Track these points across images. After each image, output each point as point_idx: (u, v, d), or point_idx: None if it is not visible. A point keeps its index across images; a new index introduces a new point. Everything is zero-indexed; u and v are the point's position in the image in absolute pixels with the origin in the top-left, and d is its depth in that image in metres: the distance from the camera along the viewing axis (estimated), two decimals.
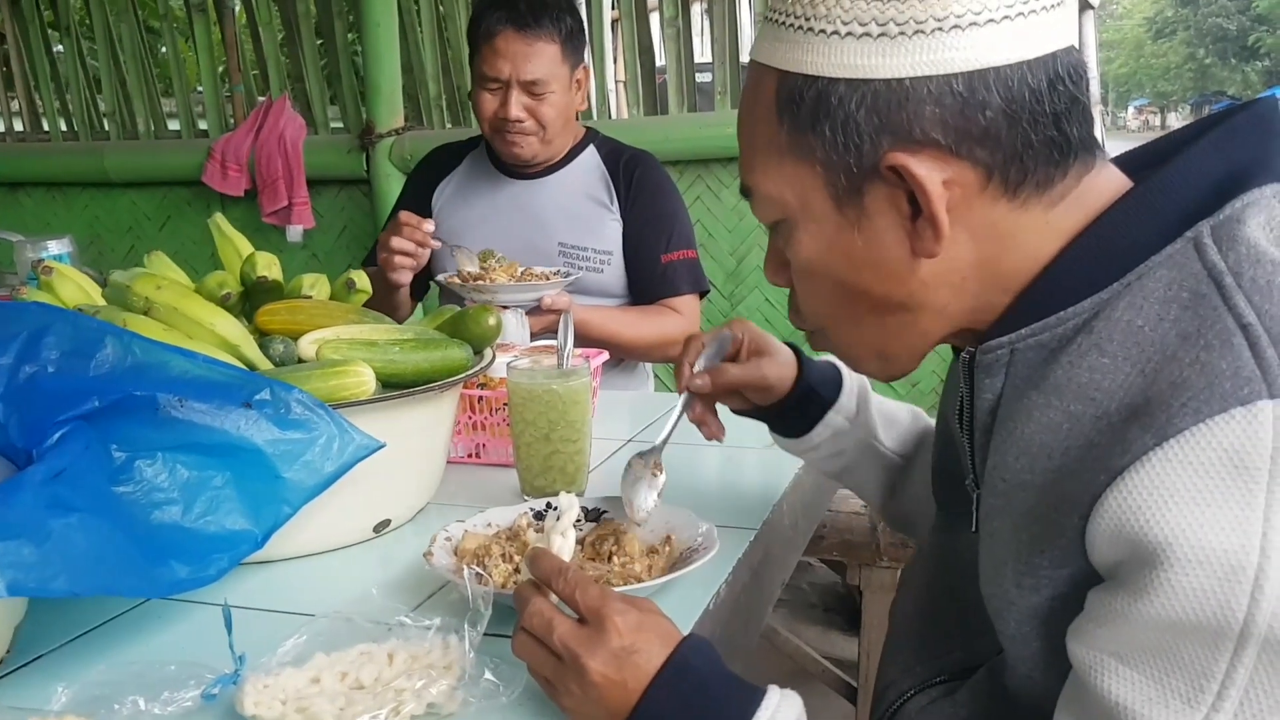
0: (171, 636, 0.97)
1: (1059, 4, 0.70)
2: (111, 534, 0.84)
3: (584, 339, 1.92)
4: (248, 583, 1.05)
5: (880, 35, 0.68)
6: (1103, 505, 0.62)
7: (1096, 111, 2.91)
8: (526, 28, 1.94)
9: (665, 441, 1.09)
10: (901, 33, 0.67)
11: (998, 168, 0.69)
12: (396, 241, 1.82)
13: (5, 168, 3.92)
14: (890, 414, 1.15)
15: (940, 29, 0.67)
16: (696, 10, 3.26)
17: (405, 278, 1.87)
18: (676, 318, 2.08)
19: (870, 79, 0.68)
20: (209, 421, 0.97)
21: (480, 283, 1.84)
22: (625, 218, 2.10)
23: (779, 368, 1.09)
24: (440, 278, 1.96)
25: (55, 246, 1.77)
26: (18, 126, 4.10)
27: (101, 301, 1.21)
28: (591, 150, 2.15)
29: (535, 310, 1.87)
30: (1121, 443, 0.62)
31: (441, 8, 3.36)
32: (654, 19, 3.19)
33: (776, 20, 0.73)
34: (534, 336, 1.85)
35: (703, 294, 2.15)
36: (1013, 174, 0.70)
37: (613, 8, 3.30)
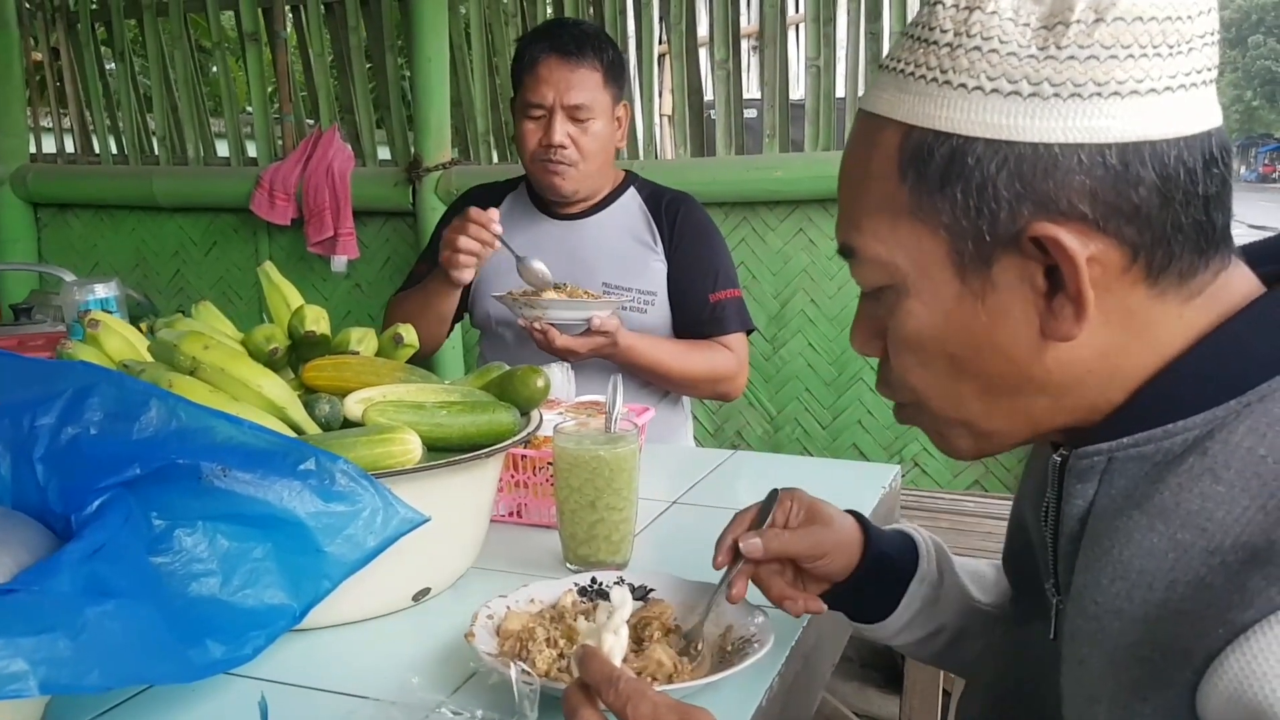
0: (202, 712, 0.93)
1: (1216, 78, 0.66)
2: (148, 617, 0.81)
3: (630, 366, 1.91)
4: (280, 653, 1.02)
5: (1031, 95, 0.62)
6: (1221, 665, 0.56)
7: None
8: (569, 55, 1.96)
9: (704, 620, 1.00)
10: (1055, 94, 0.62)
11: (1144, 249, 0.64)
12: (465, 241, 1.82)
13: (55, 189, 3.96)
14: (976, 572, 1.03)
15: (1099, 95, 0.62)
16: (744, 45, 3.23)
17: (468, 275, 1.87)
18: (727, 353, 2.07)
19: (1015, 140, 0.63)
20: (252, 491, 0.94)
21: (530, 298, 1.82)
22: (670, 259, 2.08)
23: (837, 534, 0.98)
24: (495, 294, 1.96)
25: (102, 290, 1.77)
26: (68, 147, 4.14)
27: (146, 355, 1.19)
28: (632, 192, 2.14)
29: (584, 330, 1.86)
30: (1241, 592, 0.57)
31: (492, 41, 3.36)
32: (703, 54, 3.17)
33: (901, 70, 0.68)
34: (579, 358, 1.83)
35: (749, 331, 2.13)
36: (1159, 258, 0.64)
37: (660, 42, 3.28)
